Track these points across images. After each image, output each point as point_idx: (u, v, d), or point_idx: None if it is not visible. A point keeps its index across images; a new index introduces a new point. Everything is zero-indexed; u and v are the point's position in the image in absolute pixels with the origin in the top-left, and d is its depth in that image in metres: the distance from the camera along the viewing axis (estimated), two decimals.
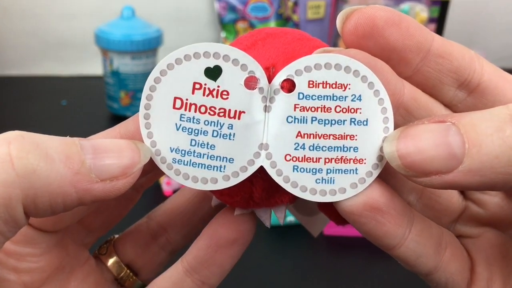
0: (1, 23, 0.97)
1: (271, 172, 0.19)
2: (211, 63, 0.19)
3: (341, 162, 0.19)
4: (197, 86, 0.19)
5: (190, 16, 1.00)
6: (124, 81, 0.81)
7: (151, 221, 0.26)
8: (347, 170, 0.19)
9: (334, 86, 0.18)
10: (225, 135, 0.19)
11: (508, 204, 0.21)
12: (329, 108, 0.18)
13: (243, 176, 0.19)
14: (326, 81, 0.18)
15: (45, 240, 0.22)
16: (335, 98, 0.18)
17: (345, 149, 0.19)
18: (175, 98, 0.19)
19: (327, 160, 0.19)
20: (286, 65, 0.19)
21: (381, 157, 0.19)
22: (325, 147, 0.19)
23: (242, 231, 0.19)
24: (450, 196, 0.22)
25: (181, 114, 0.19)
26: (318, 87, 0.18)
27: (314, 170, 0.19)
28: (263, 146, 0.19)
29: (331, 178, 0.19)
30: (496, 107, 0.16)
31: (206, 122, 0.19)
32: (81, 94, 0.93)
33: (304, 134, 0.19)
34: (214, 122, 0.19)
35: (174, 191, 0.54)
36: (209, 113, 0.19)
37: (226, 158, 0.19)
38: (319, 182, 0.19)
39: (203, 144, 0.19)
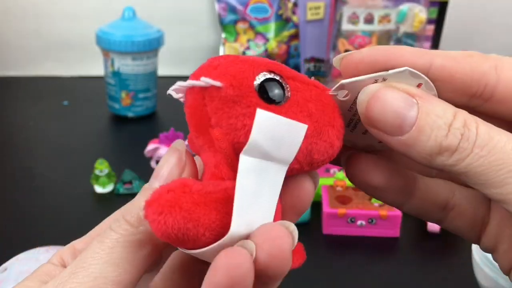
0: (3, 23, 0.98)
1: None
2: None
3: None
4: None
5: (191, 17, 1.00)
6: (125, 81, 0.81)
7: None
8: None
9: None
10: None
11: None
12: None
13: None
14: None
15: None
16: None
17: None
18: None
19: None
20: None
21: None
22: None
23: (237, 276, 0.18)
24: None
25: None
26: None
27: None
28: None
29: None
30: (452, 106, 0.20)
31: None
32: (82, 94, 0.94)
33: None
34: None
35: None
36: None
37: None
38: None
39: None
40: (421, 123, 0.20)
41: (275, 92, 0.20)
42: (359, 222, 0.55)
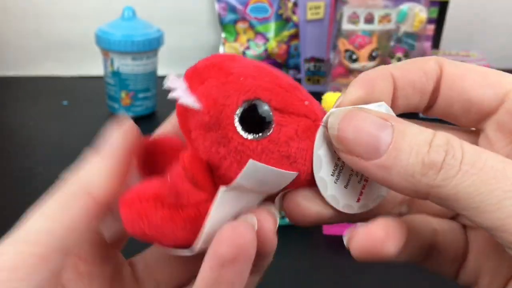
0: (2, 23, 0.97)
1: None
2: None
3: None
4: None
5: (191, 17, 1.00)
6: (124, 81, 0.81)
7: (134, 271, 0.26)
8: None
9: None
10: None
11: None
12: None
13: None
14: None
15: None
16: None
17: None
18: None
19: None
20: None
21: None
22: None
23: (242, 245, 0.18)
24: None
25: None
26: None
27: None
28: None
29: None
30: (427, 129, 0.19)
31: None
32: (82, 94, 0.94)
33: None
34: None
35: None
36: None
37: None
38: None
39: None
40: (399, 141, 0.18)
41: (255, 127, 0.19)
42: (359, 222, 0.55)
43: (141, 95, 0.83)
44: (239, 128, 0.19)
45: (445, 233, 0.23)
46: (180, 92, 0.20)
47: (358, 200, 0.22)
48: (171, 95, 0.20)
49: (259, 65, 0.21)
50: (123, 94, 0.82)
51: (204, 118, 0.19)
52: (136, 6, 0.82)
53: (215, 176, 0.20)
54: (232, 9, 0.95)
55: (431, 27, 0.89)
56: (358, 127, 0.18)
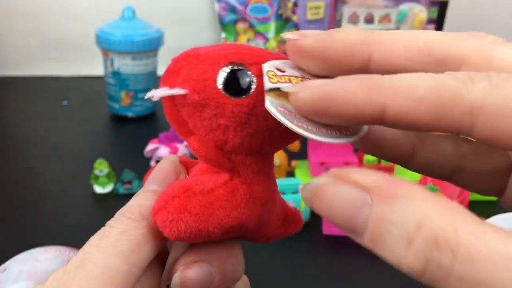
0: (2, 23, 0.98)
1: None
2: None
3: None
4: None
5: (191, 17, 1.00)
6: (124, 81, 0.81)
7: None
8: None
9: None
10: None
11: None
12: None
13: None
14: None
15: None
16: None
17: None
18: None
19: None
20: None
21: None
22: None
23: None
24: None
25: None
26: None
27: None
28: None
29: None
30: (421, 205, 0.14)
31: None
32: (82, 94, 0.94)
33: None
34: None
35: None
36: None
37: None
38: None
39: None
40: (373, 231, 0.15)
41: (239, 86, 0.20)
42: None
43: (141, 95, 0.83)
44: (227, 94, 0.20)
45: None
46: (162, 91, 0.20)
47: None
48: (156, 96, 0.21)
49: (221, 44, 0.22)
50: (123, 94, 0.82)
51: (194, 98, 0.20)
52: (136, 6, 0.82)
53: (225, 154, 0.21)
54: (232, 9, 0.95)
55: (431, 28, 0.89)
56: (331, 207, 0.16)
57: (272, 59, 0.21)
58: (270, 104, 0.19)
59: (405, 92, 0.16)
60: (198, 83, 0.20)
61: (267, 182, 0.22)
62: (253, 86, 0.20)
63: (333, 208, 0.16)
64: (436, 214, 0.14)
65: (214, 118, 0.20)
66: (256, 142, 0.21)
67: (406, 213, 0.14)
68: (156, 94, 0.20)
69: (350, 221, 0.15)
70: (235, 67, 0.20)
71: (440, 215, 0.14)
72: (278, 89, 0.19)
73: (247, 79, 0.20)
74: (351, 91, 0.16)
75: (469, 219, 0.14)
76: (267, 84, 0.19)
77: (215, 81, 0.20)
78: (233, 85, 0.20)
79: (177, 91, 0.20)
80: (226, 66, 0.20)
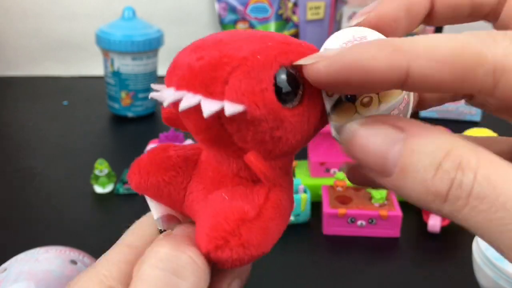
0: (2, 23, 0.98)
1: None
2: None
3: None
4: None
5: (191, 17, 1.00)
6: (124, 81, 0.81)
7: None
8: None
9: None
10: None
11: None
12: None
13: None
14: None
15: None
16: None
17: None
18: None
19: None
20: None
21: None
22: None
23: None
24: None
25: None
26: None
27: None
28: None
29: None
30: (449, 140, 0.16)
31: None
32: (82, 94, 0.94)
33: None
34: None
35: None
36: None
37: None
38: None
39: None
40: (405, 162, 0.16)
41: (290, 91, 0.18)
42: (359, 222, 0.55)
43: (141, 95, 0.83)
44: (283, 103, 0.18)
45: None
46: (213, 105, 0.17)
47: None
48: (208, 112, 0.17)
49: (238, 33, 0.20)
50: (123, 94, 0.82)
51: (255, 114, 0.17)
52: (136, 6, 0.82)
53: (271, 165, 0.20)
54: (232, 9, 0.95)
55: (431, 28, 0.89)
56: (365, 148, 0.17)
57: (304, 51, 0.19)
58: (336, 133, 0.19)
59: (429, 53, 0.16)
60: (256, 96, 0.17)
61: (290, 179, 0.22)
62: (301, 88, 0.19)
63: (369, 146, 0.17)
64: (462, 146, 0.16)
65: (270, 131, 0.18)
66: (302, 146, 0.20)
67: (437, 144, 0.16)
68: (208, 109, 0.17)
69: (383, 157, 0.17)
70: (288, 71, 0.18)
71: (465, 147, 0.16)
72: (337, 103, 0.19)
73: (296, 82, 0.18)
74: (372, 57, 0.16)
75: (490, 154, 0.16)
76: (328, 106, 0.19)
77: (272, 91, 0.18)
78: (285, 91, 0.18)
79: (236, 108, 0.17)
80: (277, 71, 0.18)
